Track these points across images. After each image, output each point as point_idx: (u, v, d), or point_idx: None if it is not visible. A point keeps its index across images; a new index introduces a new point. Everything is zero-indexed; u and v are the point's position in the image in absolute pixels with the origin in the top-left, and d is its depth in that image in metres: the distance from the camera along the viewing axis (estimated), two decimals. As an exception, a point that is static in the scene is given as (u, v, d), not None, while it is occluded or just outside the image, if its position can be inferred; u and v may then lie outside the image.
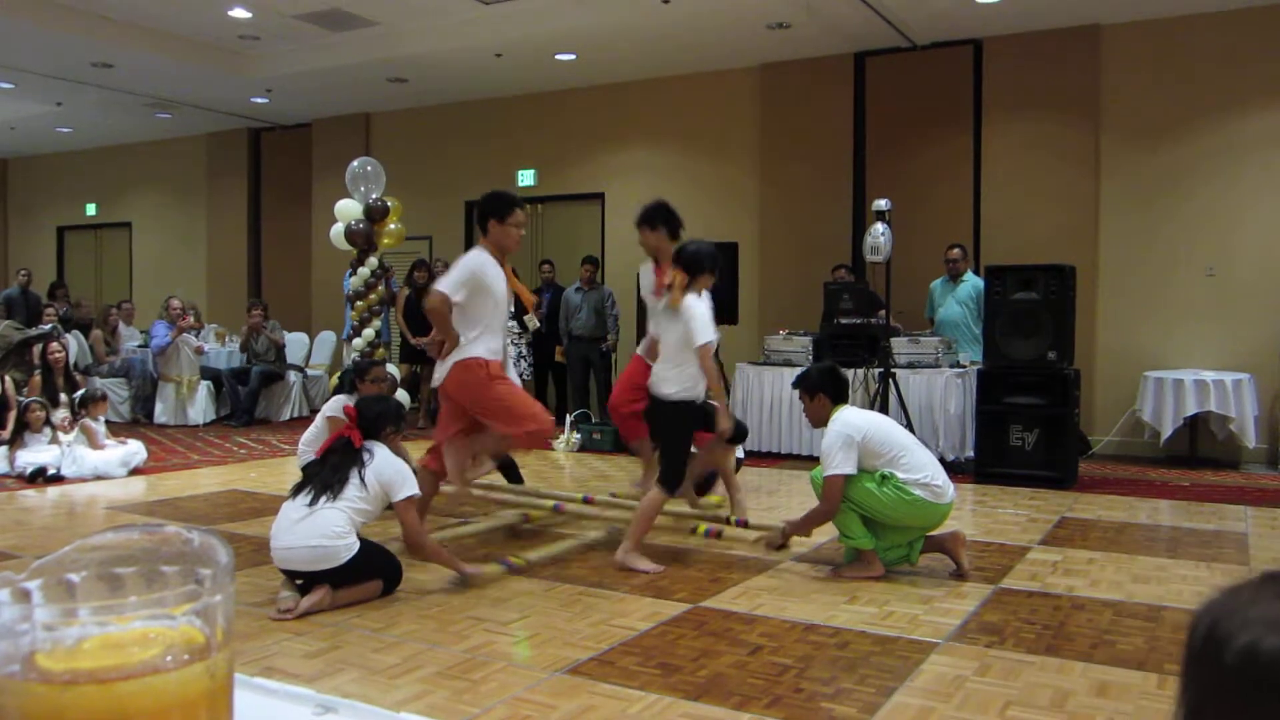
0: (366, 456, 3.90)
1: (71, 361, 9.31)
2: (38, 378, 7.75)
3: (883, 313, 7.31)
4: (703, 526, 4.99)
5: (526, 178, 10.88)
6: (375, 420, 4.05)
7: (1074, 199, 8.32)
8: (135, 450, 7.23)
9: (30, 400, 7.32)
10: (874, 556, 4.28)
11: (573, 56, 9.42)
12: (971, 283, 8.05)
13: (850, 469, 4.19)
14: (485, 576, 4.19)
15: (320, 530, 3.72)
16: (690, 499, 5.74)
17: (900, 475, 4.18)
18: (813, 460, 5.99)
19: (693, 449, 5.09)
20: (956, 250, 8.14)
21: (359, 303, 8.48)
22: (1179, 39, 7.98)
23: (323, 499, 3.78)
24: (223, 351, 10.38)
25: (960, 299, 8.10)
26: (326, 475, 3.86)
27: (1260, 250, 7.78)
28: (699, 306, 4.50)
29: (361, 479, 3.84)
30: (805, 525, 4.43)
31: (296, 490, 3.89)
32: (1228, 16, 7.80)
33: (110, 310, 11.04)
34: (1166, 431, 7.47)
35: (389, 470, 3.91)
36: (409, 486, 3.92)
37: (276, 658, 3.27)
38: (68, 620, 0.57)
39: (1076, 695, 2.97)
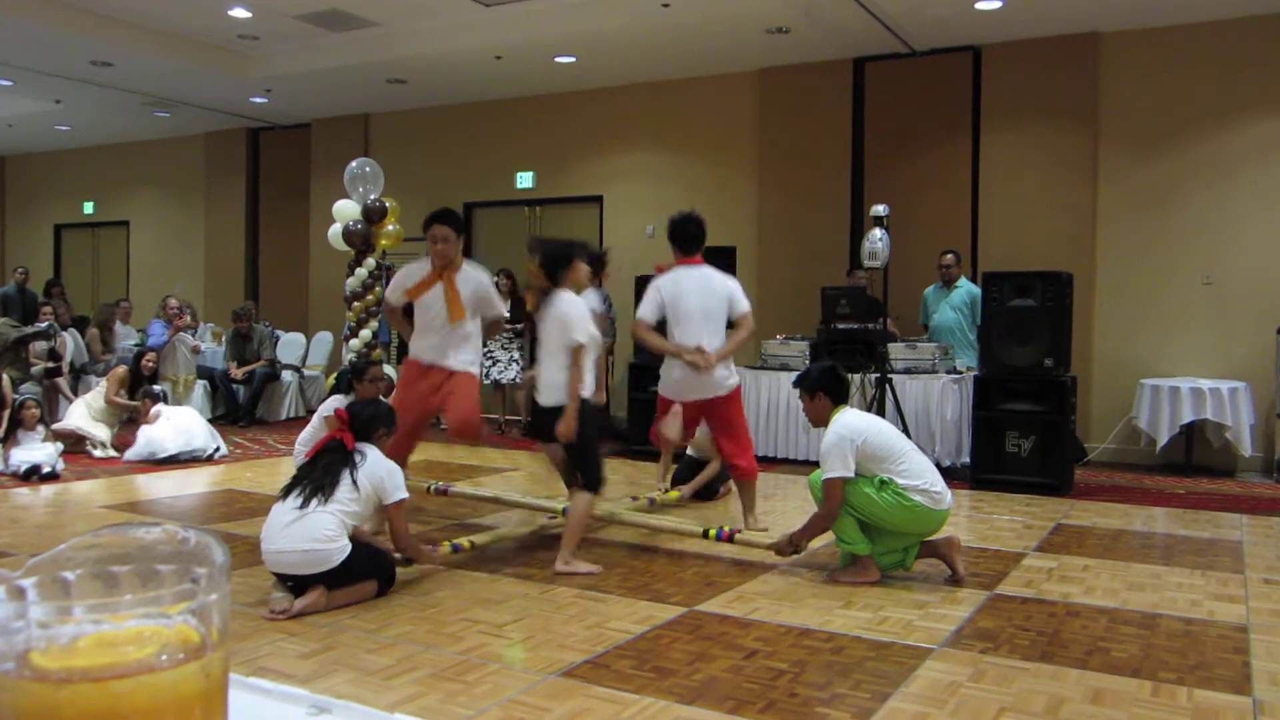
0: (359, 458, 3.90)
1: (68, 359, 9.30)
2: (121, 369, 8.27)
3: (881, 318, 7.31)
4: (713, 530, 4.76)
5: (525, 180, 10.88)
6: (368, 423, 4.06)
7: (1072, 206, 8.33)
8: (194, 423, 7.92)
9: (25, 398, 7.32)
10: (869, 561, 4.28)
11: (572, 59, 9.42)
12: (966, 288, 8.05)
13: (849, 471, 4.19)
14: (435, 558, 4.42)
15: (311, 534, 3.71)
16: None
17: (899, 481, 4.16)
18: (809, 464, 6.01)
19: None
20: (950, 256, 8.14)
21: (356, 303, 8.48)
22: (1177, 47, 8.00)
23: (314, 501, 3.77)
24: (219, 351, 10.36)
25: (955, 305, 8.10)
26: (318, 477, 3.85)
27: (1257, 259, 7.80)
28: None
29: (353, 480, 3.84)
30: (808, 532, 4.38)
31: (286, 491, 3.88)
32: (1226, 25, 7.82)
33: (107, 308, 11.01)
34: (1162, 439, 7.48)
35: (380, 472, 3.91)
36: (400, 489, 3.94)
37: (271, 658, 3.27)
38: (63, 618, 0.57)
39: (1071, 702, 2.97)
